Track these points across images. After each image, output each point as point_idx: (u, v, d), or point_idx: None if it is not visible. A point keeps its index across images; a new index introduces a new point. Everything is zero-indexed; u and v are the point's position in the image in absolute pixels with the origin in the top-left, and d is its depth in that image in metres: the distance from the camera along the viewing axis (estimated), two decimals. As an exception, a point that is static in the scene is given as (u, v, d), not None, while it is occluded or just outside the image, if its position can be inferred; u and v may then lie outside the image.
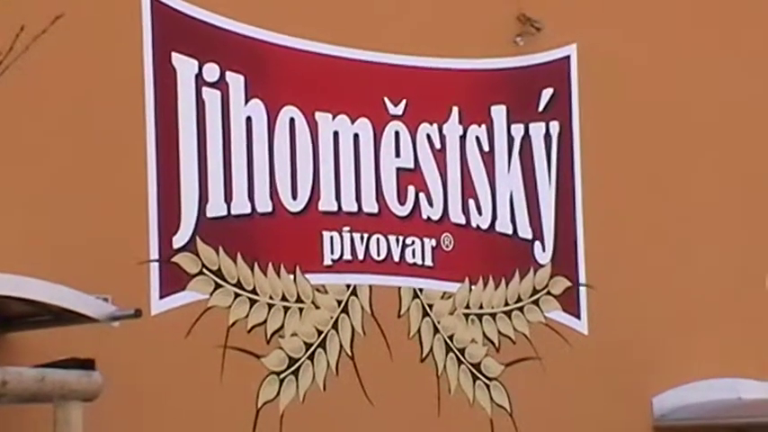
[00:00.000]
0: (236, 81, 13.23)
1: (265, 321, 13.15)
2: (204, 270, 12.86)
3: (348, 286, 13.67)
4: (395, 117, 14.04)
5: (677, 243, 15.16)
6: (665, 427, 15.04)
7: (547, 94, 14.88)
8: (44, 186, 11.65)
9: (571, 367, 14.54)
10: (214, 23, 13.11)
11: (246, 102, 13.29)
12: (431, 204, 14.18)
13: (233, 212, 13.14)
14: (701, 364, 15.10)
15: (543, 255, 14.75)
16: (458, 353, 14.06)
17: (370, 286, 13.76)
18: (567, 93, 14.96)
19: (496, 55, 14.57)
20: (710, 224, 15.37)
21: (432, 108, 14.23)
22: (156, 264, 12.60)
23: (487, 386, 14.18)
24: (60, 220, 11.75)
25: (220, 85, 13.16)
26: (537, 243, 14.75)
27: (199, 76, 13.05)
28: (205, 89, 13.07)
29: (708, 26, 15.61)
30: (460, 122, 14.39)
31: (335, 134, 13.71)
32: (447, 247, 14.20)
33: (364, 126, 13.86)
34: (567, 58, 14.98)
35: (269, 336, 13.15)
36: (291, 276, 13.35)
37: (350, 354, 13.54)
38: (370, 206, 13.87)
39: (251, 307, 13.10)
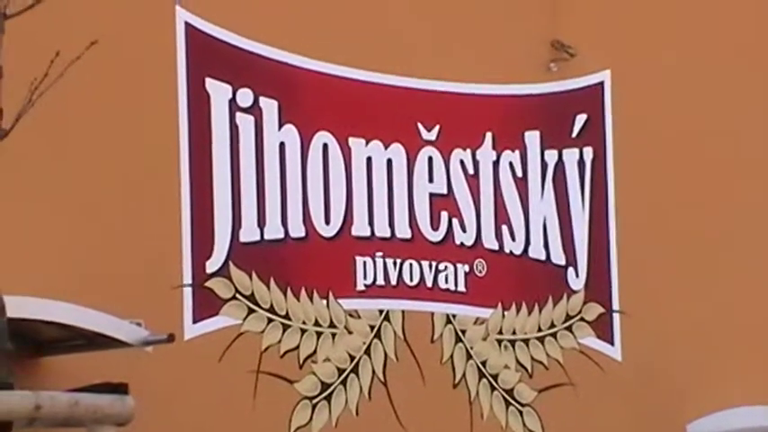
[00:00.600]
0: (269, 106, 13.22)
1: (298, 347, 13.14)
2: (237, 295, 12.85)
3: (381, 311, 13.63)
4: (428, 143, 14.02)
5: (711, 269, 15.11)
6: None
7: (581, 119, 14.86)
8: (78, 211, 11.67)
9: (604, 393, 14.48)
10: (248, 49, 13.13)
11: (280, 127, 13.29)
12: (464, 230, 14.15)
13: (266, 237, 13.14)
14: (736, 391, 15.06)
15: (576, 281, 14.70)
16: (491, 379, 14.01)
17: (403, 311, 13.71)
18: (601, 118, 14.93)
19: (530, 81, 14.56)
20: (745, 250, 15.31)
21: (465, 134, 14.20)
22: (190, 288, 12.60)
23: (520, 412, 14.14)
24: (94, 246, 11.76)
25: (254, 110, 13.17)
26: (570, 269, 14.69)
27: (232, 101, 13.08)
28: (239, 114, 13.08)
29: (743, 52, 15.53)
30: (494, 148, 14.36)
31: (369, 160, 13.70)
32: (480, 272, 14.16)
33: (397, 151, 13.83)
34: (601, 84, 14.97)
35: (302, 361, 13.13)
36: (324, 301, 13.32)
37: (382, 379, 13.50)
38: (403, 231, 13.85)
39: (284, 332, 13.09)
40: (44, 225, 10.75)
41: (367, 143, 13.68)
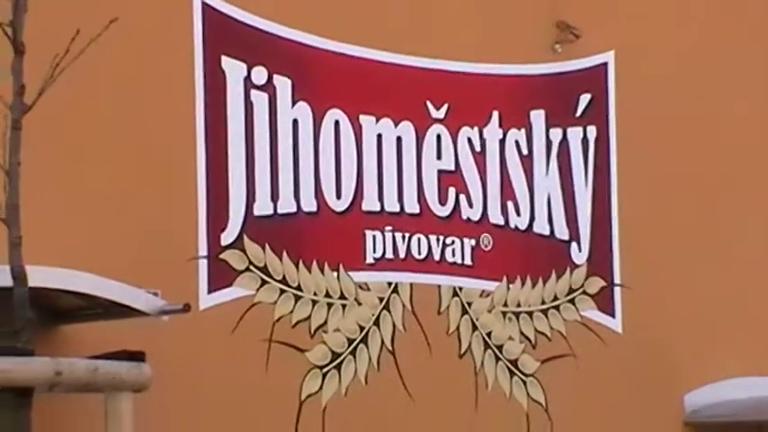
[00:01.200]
0: (283, 84, 13.25)
1: (309, 317, 13.18)
2: (251, 267, 12.90)
3: (389, 284, 13.68)
4: (437, 120, 14.04)
5: (712, 244, 15.16)
6: (697, 424, 15.02)
7: (585, 99, 14.88)
8: (97, 185, 11.70)
9: (605, 364, 14.53)
10: (262, 28, 13.16)
11: (293, 104, 13.31)
12: (470, 205, 14.19)
13: (279, 211, 13.17)
14: (734, 362, 15.10)
15: (579, 255, 14.75)
16: (495, 349, 14.06)
17: (411, 284, 13.76)
18: (605, 98, 14.95)
19: (535, 61, 14.59)
20: (745, 226, 15.37)
21: (472, 112, 14.23)
22: (205, 260, 12.65)
23: (524, 382, 14.18)
24: (112, 218, 11.81)
25: (268, 88, 13.19)
26: (573, 244, 14.74)
27: (247, 79, 13.09)
28: (253, 92, 13.11)
29: (747, 33, 15.54)
30: (500, 126, 14.40)
31: (379, 137, 13.74)
32: (486, 246, 14.20)
33: (407, 129, 13.87)
34: (605, 64, 14.98)
35: (313, 331, 13.18)
36: (335, 274, 13.37)
37: (391, 349, 13.55)
38: (412, 207, 13.88)
39: (296, 303, 13.13)
40: (65, 198, 10.80)
41: (377, 120, 13.71)
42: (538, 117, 14.63)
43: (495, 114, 14.34)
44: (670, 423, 14.90)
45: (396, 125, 13.82)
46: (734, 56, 15.48)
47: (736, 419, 14.92)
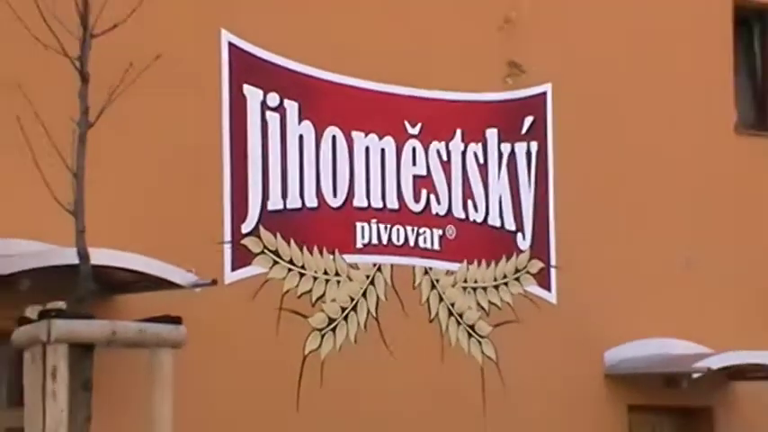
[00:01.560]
0: (291, 107, 13.26)
1: (311, 290, 13.20)
2: (265, 250, 12.93)
3: (374, 264, 13.68)
4: (412, 136, 14.02)
5: (627, 235, 15.16)
6: (614, 375, 15.00)
7: (528, 120, 14.83)
8: (146, 186, 11.78)
9: (543, 328, 14.53)
10: (275, 62, 13.19)
11: (299, 123, 13.32)
12: (438, 203, 14.16)
13: (288, 207, 13.19)
14: (647, 325, 15.10)
15: (524, 243, 14.70)
16: (457, 316, 14.05)
17: (392, 265, 13.76)
18: (544, 120, 14.90)
19: (491, 90, 14.55)
20: (653, 221, 15.33)
21: (440, 130, 14.21)
22: (229, 245, 12.70)
23: (479, 342, 14.16)
24: (157, 211, 11.90)
25: (279, 109, 13.21)
26: (519, 234, 14.69)
27: (263, 102, 13.11)
28: (268, 112, 13.13)
29: (652, 67, 15.50)
30: (462, 141, 14.35)
31: (367, 148, 13.74)
32: (450, 235, 14.18)
33: (389, 142, 13.86)
34: (545, 93, 14.92)
35: (314, 301, 13.21)
36: (331, 256, 13.38)
37: (375, 315, 13.56)
38: (392, 203, 13.86)
39: (300, 279, 13.15)
40: (120, 196, 10.80)
41: (366, 135, 13.69)
42: (492, 134, 14.56)
43: (459, 132, 14.30)
44: (594, 375, 14.89)
45: (380, 139, 13.79)
46: (638, 85, 15.41)
47: (645, 371, 14.96)
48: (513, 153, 14.73)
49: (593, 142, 14.93)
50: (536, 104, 14.92)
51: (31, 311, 6.43)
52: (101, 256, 8.03)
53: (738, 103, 16.49)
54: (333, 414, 12.93)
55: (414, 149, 14.02)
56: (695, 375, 14.59)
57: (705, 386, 15.07)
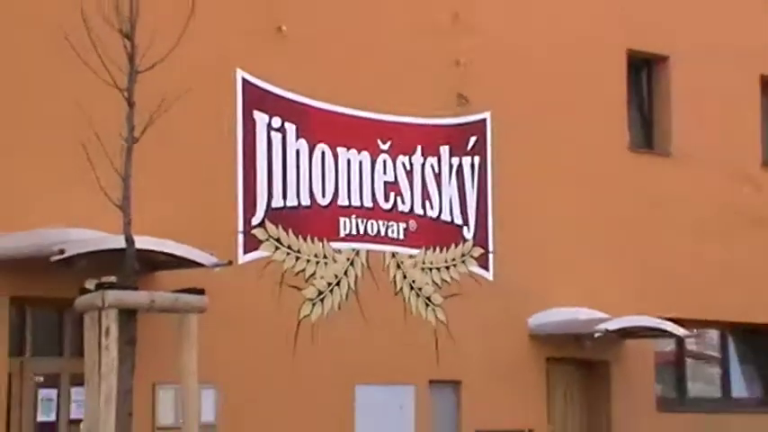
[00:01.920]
0: (290, 128, 13.23)
1: (304, 269, 13.15)
2: (269, 238, 12.89)
3: (354, 250, 13.61)
4: (383, 151, 13.98)
5: (547, 228, 15.07)
6: (536, 335, 14.95)
7: (472, 139, 14.75)
8: (178, 188, 11.74)
9: (482, 299, 14.46)
10: (278, 93, 13.16)
11: (296, 140, 13.28)
12: (403, 203, 14.12)
13: (287, 205, 13.14)
14: (558, 299, 15.05)
15: (468, 233, 14.61)
16: (417, 290, 14.01)
17: (367, 250, 13.70)
18: (484, 139, 14.84)
19: (444, 116, 14.50)
20: (566, 217, 15.29)
21: (405, 146, 14.16)
22: (242, 234, 12.67)
23: (434, 310, 14.11)
24: (187, 207, 11.85)
25: (281, 129, 13.19)
26: (465, 227, 14.61)
27: (269, 124, 13.09)
28: (272, 132, 13.11)
29: (561, 96, 15.49)
30: (422, 155, 14.30)
31: (348, 160, 13.69)
32: (412, 228, 14.13)
33: (366, 156, 13.83)
34: (485, 119, 14.86)
35: (307, 277, 13.15)
36: (320, 243, 13.32)
37: (354, 289, 13.51)
38: (368, 203, 13.82)
39: (296, 261, 13.10)
40: (158, 195, 10.70)
41: (347, 150, 13.63)
42: (444, 150, 14.50)
43: (419, 148, 14.24)
44: (521, 334, 14.85)
45: (358, 153, 13.74)
46: (558, 116, 15.39)
47: (559, 332, 14.96)
48: (460, 165, 14.66)
49: (521, 157, 14.88)
50: (478, 127, 14.83)
51: (90, 284, 6.46)
52: (142, 241, 8.02)
53: (631, 128, 16.49)
54: (320, 361, 12.91)
55: (384, 162, 13.96)
56: (596, 335, 14.56)
57: (604, 343, 15.02)
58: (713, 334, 17.43)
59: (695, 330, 16.48)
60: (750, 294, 16.51)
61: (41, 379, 11.39)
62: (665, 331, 15.17)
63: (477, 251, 14.66)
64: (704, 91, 16.71)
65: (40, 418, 11.30)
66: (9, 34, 10.96)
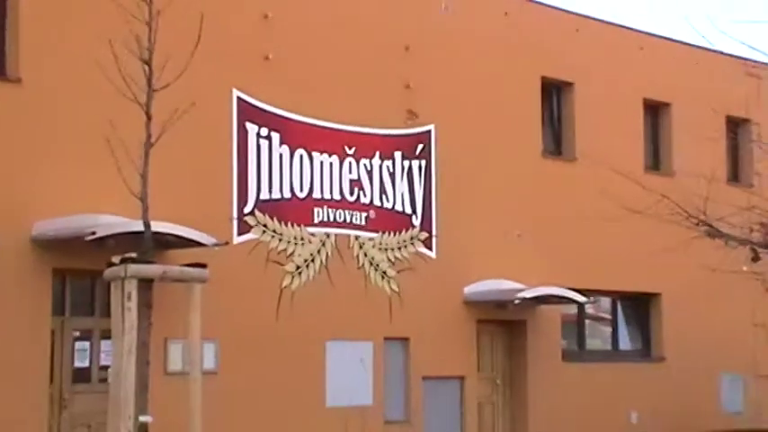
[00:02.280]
0: (275, 136, 13.20)
1: (286, 249, 13.12)
2: (258, 224, 12.88)
3: (326, 234, 13.59)
4: (349, 155, 13.94)
5: (479, 217, 15.05)
6: (468, 302, 14.91)
7: (420, 146, 14.75)
8: (185, 183, 11.69)
9: (426, 273, 14.45)
10: (265, 108, 13.11)
11: (280, 146, 13.25)
12: (365, 196, 14.08)
13: (272, 197, 13.10)
14: (487, 273, 15.03)
15: (416, 221, 14.61)
16: (375, 265, 14.03)
17: (335, 234, 13.68)
18: (429, 146, 14.83)
19: (397, 128, 14.49)
20: (494, 209, 15.31)
21: (367, 152, 14.13)
22: (236, 220, 12.64)
23: (388, 281, 14.12)
24: (192, 199, 11.78)
25: (268, 138, 13.14)
26: (413, 215, 14.60)
27: (258, 133, 13.05)
28: (261, 139, 13.08)
29: (488, 114, 15.47)
30: (380, 159, 14.28)
31: (321, 162, 13.66)
32: (372, 216, 14.12)
33: (335, 159, 13.79)
34: (430, 130, 14.85)
35: (287, 255, 13.12)
36: (299, 228, 13.30)
37: (325, 264, 13.50)
38: (337, 196, 13.78)
39: (279, 242, 13.07)
40: (170, 188, 10.56)
41: (321, 154, 13.60)
42: (398, 155, 14.48)
43: (377, 153, 14.22)
44: (456, 301, 14.82)
45: (329, 156, 13.71)
46: (485, 129, 15.33)
47: (487, 299, 14.95)
48: (410, 167, 14.63)
49: (459, 161, 14.91)
50: (424, 137, 14.81)
51: (115, 259, 6.43)
52: (157, 225, 7.96)
53: (544, 138, 16.53)
54: (298, 322, 12.89)
55: (350, 163, 13.92)
56: (516, 302, 14.70)
57: (522, 308, 15.15)
58: (606, 301, 17.54)
59: (592, 298, 16.54)
60: (633, 269, 16.65)
61: (78, 334, 11.45)
62: (569, 298, 15.30)
63: (423, 235, 14.64)
64: (600, 110, 16.85)
65: (77, 364, 11.37)
66: (58, 65, 11.00)
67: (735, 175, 18.72)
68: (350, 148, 13.93)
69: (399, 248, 14.34)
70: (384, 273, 14.10)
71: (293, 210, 13.27)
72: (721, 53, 16.87)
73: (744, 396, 18.23)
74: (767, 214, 9.61)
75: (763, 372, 18.24)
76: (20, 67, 10.90)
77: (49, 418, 10.93)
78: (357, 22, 13.95)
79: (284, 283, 12.99)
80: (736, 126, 18.74)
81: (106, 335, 8.35)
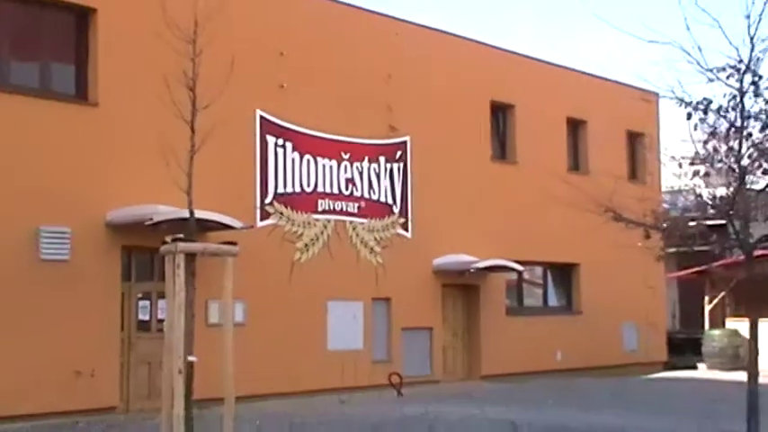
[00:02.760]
0: (288, 145, 13.15)
1: (296, 231, 13.08)
2: (275, 211, 12.84)
3: (327, 219, 13.57)
4: (345, 159, 13.91)
5: (443, 206, 14.97)
6: (436, 270, 14.84)
7: (399, 153, 14.70)
8: (220, 180, 11.46)
9: (404, 249, 14.41)
10: (281, 124, 13.06)
11: (292, 152, 13.19)
12: (357, 191, 14.03)
13: (286, 191, 13.05)
14: (451, 249, 14.93)
15: (396, 209, 14.57)
16: (365, 243, 14.00)
17: (335, 219, 13.65)
18: (405, 153, 14.79)
19: (381, 138, 14.43)
20: (456, 200, 15.23)
21: (358, 157, 14.08)
22: (259, 209, 12.59)
23: (375, 255, 14.10)
24: (225, 192, 11.63)
25: (283, 146, 13.08)
26: (394, 205, 14.56)
27: (275, 143, 13.00)
28: (277, 148, 13.03)
29: (449, 129, 15.39)
30: (368, 162, 14.24)
31: (323, 165, 13.62)
32: (362, 206, 14.09)
33: (335, 163, 13.75)
34: (406, 141, 14.82)
35: (298, 236, 13.09)
36: (306, 215, 13.28)
37: (326, 243, 13.48)
38: (336, 191, 13.73)
39: (291, 225, 13.04)
40: (209, 185, 10.34)
41: (323, 158, 13.56)
42: (382, 159, 14.43)
43: (366, 158, 14.17)
44: (427, 270, 14.72)
45: (330, 160, 13.66)
46: (446, 140, 15.30)
47: (450, 269, 14.89)
48: (392, 168, 14.59)
49: (427, 164, 14.87)
50: (402, 146, 14.76)
51: (168, 239, 6.38)
52: (198, 213, 7.95)
53: (492, 147, 16.47)
54: (306, 286, 12.90)
55: (345, 166, 13.88)
56: (471, 270, 14.78)
57: (476, 275, 15.21)
58: (538, 269, 17.59)
59: (528, 267, 16.62)
60: (559, 246, 16.71)
61: (140, 295, 11.46)
62: (511, 268, 15.39)
63: (401, 220, 14.62)
64: (534, 125, 16.85)
65: (140, 317, 11.40)
66: (125, 92, 11.04)
67: (633, 174, 18.82)
68: (345, 154, 13.91)
69: (383, 230, 14.32)
70: (371, 249, 14.10)
71: (302, 201, 13.25)
72: (624, 84, 17.06)
73: (638, 339, 18.46)
74: (656, 204, 9.75)
75: (651, 320, 18.53)
76: (98, 95, 10.98)
77: (120, 357, 11.02)
78: (350, 58, 13.94)
79: (295, 257, 12.99)
80: (634, 138, 18.85)
81: (161, 295, 8.36)
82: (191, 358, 6.04)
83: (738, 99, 7.22)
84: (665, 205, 11.40)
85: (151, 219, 10.35)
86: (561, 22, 47.12)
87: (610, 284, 17.41)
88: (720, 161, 7.51)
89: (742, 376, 7.88)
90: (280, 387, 12.13)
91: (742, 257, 8.03)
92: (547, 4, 46.88)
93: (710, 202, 7.89)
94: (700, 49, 7.12)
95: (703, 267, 16.79)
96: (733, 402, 8.89)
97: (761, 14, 6.96)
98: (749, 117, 7.29)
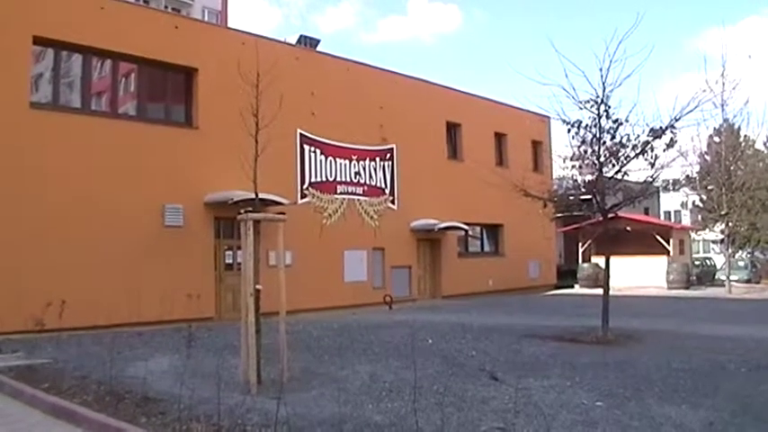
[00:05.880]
0: (317, 151, 12.99)
1: (323, 206, 12.99)
2: (310, 193, 12.70)
3: (344, 198, 13.46)
4: (354, 159, 13.69)
5: (418, 190, 14.74)
6: (413, 230, 14.48)
7: (388, 155, 14.51)
8: (277, 174, 11.07)
9: (393, 217, 14.28)
10: (313, 137, 12.92)
11: (321, 155, 13.04)
12: (362, 180, 13.86)
13: (317, 180, 12.91)
14: (420, 214, 14.80)
15: (387, 191, 14.41)
16: (367, 213, 13.88)
17: (348, 199, 13.51)
18: (392, 155, 14.61)
19: (377, 145, 14.24)
20: (425, 186, 14.92)
21: (362, 158, 13.89)
22: (299, 191, 12.48)
23: (374, 221, 14.01)
24: (278, 182, 11.38)
25: (314, 152, 12.95)
26: (386, 189, 14.42)
27: (310, 149, 12.86)
28: (311, 153, 12.88)
29: (418, 142, 15.21)
30: (370, 161, 14.08)
31: (340, 163, 13.48)
32: (365, 190, 13.95)
33: (348, 162, 13.58)
34: (393, 147, 14.62)
35: (324, 209, 12.99)
36: (330, 196, 13.18)
37: (343, 213, 13.41)
38: (348, 180, 13.58)
39: (320, 202, 12.94)
40: (266, 178, 9.56)
41: (342, 160, 13.41)
42: (378, 160, 14.24)
43: (368, 158, 14.01)
44: (407, 230, 14.30)
45: (344, 160, 13.49)
46: (420, 150, 15.03)
47: (422, 228, 14.23)
48: (384, 165, 14.36)
49: (407, 163, 14.44)
50: (391, 151, 14.56)
51: (242, 211, 6.35)
52: (261, 195, 7.78)
53: (447, 147, 15.72)
54: (330, 241, 12.84)
55: (354, 164, 13.70)
56: (436, 229, 14.46)
57: (439, 233, 15.08)
58: (478, 228, 17.53)
59: (471, 227, 16.56)
60: (491, 212, 16.55)
61: (226, 247, 11.48)
62: (461, 227, 15.32)
63: (390, 198, 14.45)
64: (473, 136, 16.52)
65: (226, 261, 11.44)
66: (216, 119, 10.91)
67: (536, 168, 18.71)
68: (354, 156, 13.79)
69: (379, 205, 14.21)
70: (372, 216, 14.04)
71: (326, 187, 13.20)
72: (529, 111, 15.95)
73: (539, 270, 18.65)
74: (549, 186, 10.19)
75: (546, 258, 18.71)
76: (199, 122, 11.09)
77: (215, 285, 11.20)
78: (356, 95, 13.75)
79: (323, 222, 12.95)
80: (536, 145, 18.73)
81: (239, 247, 8.42)
82: (258, 287, 6.11)
83: (597, 120, 8.13)
84: (555, 187, 11.70)
85: (232, 199, 10.47)
86: (488, 69, 47.52)
87: (522, 237, 17.57)
88: (587, 159, 8.29)
89: (600, 291, 8.65)
90: (314, 304, 12.07)
91: (601, 219, 8.71)
92: (483, 61, 46.91)
93: (582, 185, 8.60)
94: (574, 89, 8.16)
95: (578, 225, 17.33)
96: (594, 307, 9.52)
97: (608, 68, 7.92)
98: (604, 131, 8.16)
